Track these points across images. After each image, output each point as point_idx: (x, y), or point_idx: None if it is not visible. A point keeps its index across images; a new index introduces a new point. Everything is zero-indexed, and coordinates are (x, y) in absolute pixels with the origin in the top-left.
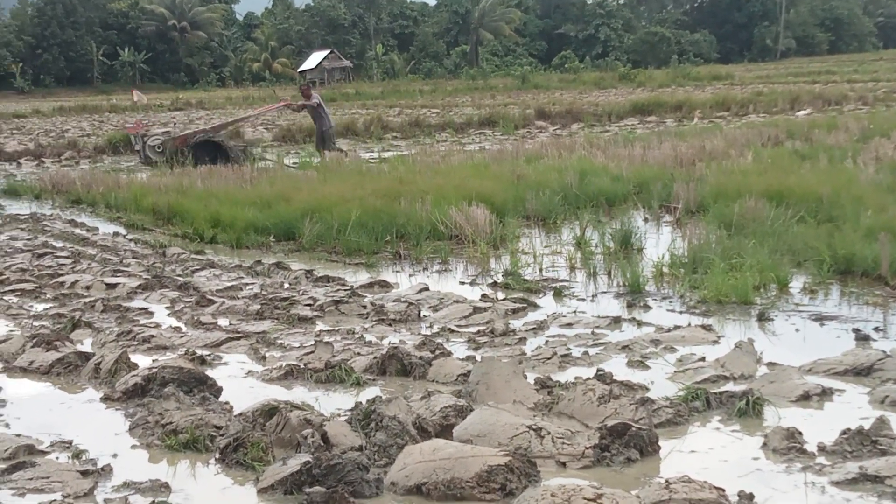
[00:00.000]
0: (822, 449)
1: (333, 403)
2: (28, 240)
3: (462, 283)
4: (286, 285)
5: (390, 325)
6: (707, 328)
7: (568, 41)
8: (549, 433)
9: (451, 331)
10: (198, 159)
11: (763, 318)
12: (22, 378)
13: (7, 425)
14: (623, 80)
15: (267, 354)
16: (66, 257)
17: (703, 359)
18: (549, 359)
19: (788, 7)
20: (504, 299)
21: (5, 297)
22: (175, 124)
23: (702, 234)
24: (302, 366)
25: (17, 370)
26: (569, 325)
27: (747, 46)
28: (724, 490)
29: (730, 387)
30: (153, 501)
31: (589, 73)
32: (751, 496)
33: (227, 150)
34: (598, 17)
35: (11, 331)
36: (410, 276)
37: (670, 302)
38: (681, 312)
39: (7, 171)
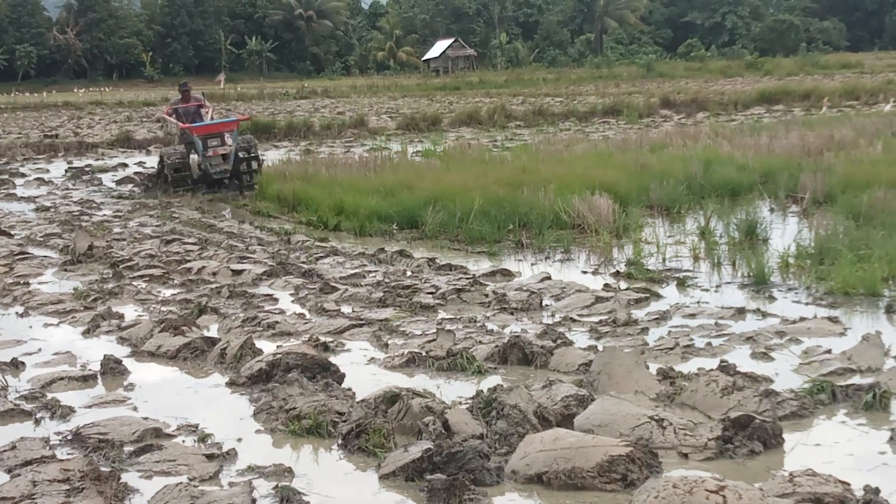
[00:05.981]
0: None
1: (455, 391)
2: (157, 226)
3: (584, 272)
4: (409, 273)
5: (512, 313)
6: (833, 320)
7: (694, 29)
8: (671, 424)
9: (573, 320)
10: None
11: (892, 310)
12: (150, 362)
13: (135, 408)
14: (750, 69)
15: (389, 342)
16: (194, 244)
17: (829, 351)
18: (671, 349)
19: None
20: (626, 289)
21: (134, 283)
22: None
23: (829, 224)
24: (424, 353)
25: (145, 354)
26: (692, 315)
27: (878, 34)
28: (849, 484)
29: (856, 380)
30: (277, 485)
31: (715, 61)
32: (877, 490)
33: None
34: (725, 5)
35: (140, 315)
36: (532, 264)
37: (796, 293)
38: (807, 304)
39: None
